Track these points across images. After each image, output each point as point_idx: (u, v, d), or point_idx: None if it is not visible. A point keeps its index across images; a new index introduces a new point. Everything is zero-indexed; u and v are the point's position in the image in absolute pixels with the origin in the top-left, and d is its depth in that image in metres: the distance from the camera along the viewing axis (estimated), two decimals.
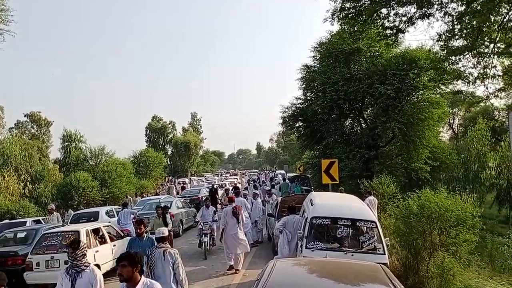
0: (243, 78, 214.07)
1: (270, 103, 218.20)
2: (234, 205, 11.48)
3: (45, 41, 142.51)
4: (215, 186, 24.76)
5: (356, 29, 13.28)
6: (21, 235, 12.66)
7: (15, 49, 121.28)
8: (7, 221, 16.71)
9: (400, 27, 12.07)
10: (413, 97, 18.77)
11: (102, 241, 11.17)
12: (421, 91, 18.36)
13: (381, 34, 13.06)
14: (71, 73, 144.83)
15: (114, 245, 11.51)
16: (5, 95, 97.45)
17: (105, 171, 30.33)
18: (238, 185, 36.91)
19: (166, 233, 6.68)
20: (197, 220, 13.70)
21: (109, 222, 14.22)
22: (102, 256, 10.71)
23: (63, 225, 13.91)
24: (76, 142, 38.39)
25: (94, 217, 16.50)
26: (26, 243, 11.75)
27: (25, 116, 53.14)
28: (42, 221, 16.57)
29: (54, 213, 15.69)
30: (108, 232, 11.69)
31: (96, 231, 11.22)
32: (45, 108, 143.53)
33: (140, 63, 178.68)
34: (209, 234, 13.23)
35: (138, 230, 7.79)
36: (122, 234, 12.46)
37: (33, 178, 31.09)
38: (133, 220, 14.72)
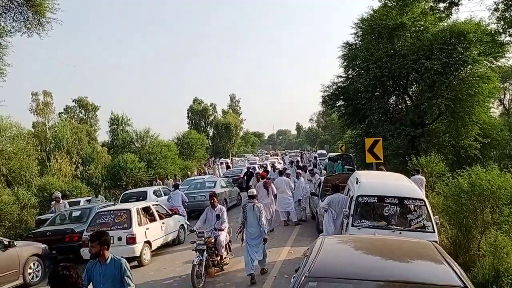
0: (282, 58, 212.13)
1: (310, 83, 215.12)
2: (265, 180, 13.99)
3: (89, 26, 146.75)
4: (250, 170, 24.64)
5: (402, 4, 12.69)
6: (76, 213, 13.41)
7: (59, 35, 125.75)
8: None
9: None
10: (461, 72, 17.95)
11: (152, 219, 11.65)
12: (470, 66, 17.52)
13: (433, 8, 12.41)
14: (115, 59, 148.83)
15: (163, 223, 12.00)
16: (54, 81, 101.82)
17: (150, 153, 31.25)
18: (278, 165, 37.20)
19: (255, 193, 9.82)
20: (195, 229, 9.28)
21: (157, 201, 14.74)
22: (152, 233, 11.18)
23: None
24: (123, 125, 39.63)
25: (143, 196, 17.17)
26: (81, 221, 12.46)
27: (73, 101, 55.31)
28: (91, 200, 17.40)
29: (61, 201, 15.35)
30: (157, 211, 12.16)
31: (146, 210, 11.72)
32: (92, 93, 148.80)
33: (181, 47, 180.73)
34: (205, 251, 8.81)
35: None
36: (170, 213, 12.93)
37: (84, 160, 32.59)
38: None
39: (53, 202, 15.96)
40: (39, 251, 10.36)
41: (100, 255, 4.85)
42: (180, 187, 18.40)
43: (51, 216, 13.94)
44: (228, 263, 9.65)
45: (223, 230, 9.27)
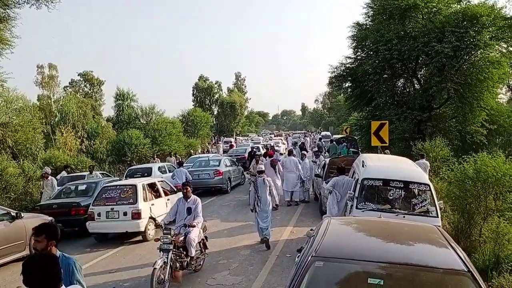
0: (288, 38, 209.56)
1: (316, 63, 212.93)
2: (272, 158, 15.24)
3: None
4: (254, 150, 24.26)
5: None
6: (82, 187, 13.49)
7: (66, 8, 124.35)
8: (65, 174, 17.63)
9: None
10: (472, 56, 17.73)
11: (157, 195, 11.75)
12: (481, 50, 17.26)
13: None
14: (122, 34, 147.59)
15: (168, 199, 12.08)
16: (59, 54, 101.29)
17: (155, 129, 31.33)
18: (281, 146, 37.29)
19: (263, 169, 10.67)
20: (161, 223, 8.10)
21: (162, 177, 14.83)
22: (157, 209, 11.29)
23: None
24: (129, 100, 39.58)
25: (148, 172, 17.27)
26: (87, 195, 12.54)
27: (78, 75, 55.25)
28: (99, 175, 17.51)
29: (49, 177, 14.15)
30: (162, 187, 12.25)
31: (151, 186, 11.81)
32: (97, 68, 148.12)
33: (186, 23, 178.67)
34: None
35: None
36: (175, 189, 13.02)
37: (89, 135, 32.72)
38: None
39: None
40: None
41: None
42: (184, 164, 18.48)
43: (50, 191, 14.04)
44: (202, 264, 8.26)
45: (195, 226, 7.75)
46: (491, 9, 16.52)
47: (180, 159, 19.15)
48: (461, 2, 16.45)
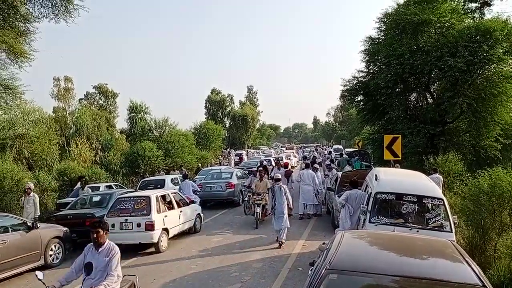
0: (300, 51, 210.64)
1: (328, 77, 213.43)
2: (287, 169, 16.62)
3: (110, 14, 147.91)
4: (263, 163, 23.73)
5: (429, 1, 12.45)
6: (96, 198, 13.70)
7: (81, 21, 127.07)
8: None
9: None
10: (485, 71, 17.65)
11: (170, 206, 11.84)
12: (494, 65, 17.20)
13: (465, 8, 12.18)
14: (135, 49, 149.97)
15: (181, 211, 12.18)
16: (76, 67, 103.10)
17: (168, 142, 31.54)
18: (294, 158, 37.30)
19: (280, 177, 12.09)
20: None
21: (175, 189, 14.94)
22: (170, 221, 11.38)
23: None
24: (142, 113, 40.03)
25: (161, 184, 17.44)
26: (101, 206, 12.73)
27: (93, 87, 56.13)
28: (113, 186, 17.73)
29: (31, 194, 12.84)
30: (175, 199, 12.35)
31: (165, 197, 11.93)
32: (112, 80, 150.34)
33: (199, 38, 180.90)
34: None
35: None
36: (188, 201, 13.12)
37: (103, 147, 33.11)
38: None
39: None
40: (61, 233, 10.65)
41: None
42: (196, 177, 18.60)
43: (71, 201, 14.27)
44: None
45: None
46: (504, 24, 16.49)
47: (185, 172, 19.24)
48: (474, 18, 16.43)
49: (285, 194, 11.34)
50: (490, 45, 16.39)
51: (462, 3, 12.83)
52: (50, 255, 10.21)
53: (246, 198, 15.54)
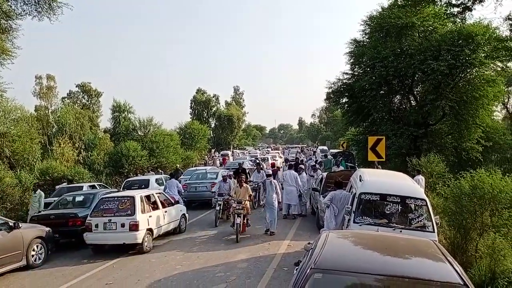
0: (287, 54, 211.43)
1: (314, 79, 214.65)
2: (273, 168, 18.55)
3: (94, 11, 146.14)
4: (242, 165, 21.23)
5: (413, 5, 12.74)
6: (79, 198, 13.50)
7: (65, 19, 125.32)
8: (64, 185, 17.70)
9: (467, 4, 11.53)
10: (467, 74, 18.01)
11: (155, 207, 11.76)
12: (476, 68, 17.56)
13: (446, 12, 12.50)
14: (119, 47, 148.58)
15: (166, 211, 12.11)
16: (59, 66, 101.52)
17: (153, 141, 31.31)
18: (279, 159, 37.47)
19: (271, 173, 14.04)
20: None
21: (159, 189, 14.84)
22: (154, 221, 11.31)
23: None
24: (126, 112, 39.70)
25: (145, 184, 17.30)
26: (84, 206, 12.55)
27: (76, 86, 55.33)
28: (97, 186, 17.54)
29: (38, 191, 14.30)
30: (160, 199, 12.27)
31: (149, 197, 11.84)
32: (96, 79, 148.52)
33: (185, 39, 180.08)
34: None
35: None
36: (173, 202, 13.05)
37: (86, 146, 32.72)
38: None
39: None
40: (43, 233, 10.48)
41: None
42: (181, 177, 18.50)
43: (54, 200, 14.07)
44: None
45: None
46: (486, 29, 16.82)
47: (163, 173, 18.88)
48: (456, 22, 16.75)
49: (275, 188, 12.55)
50: (472, 49, 16.70)
51: (444, 8, 13.07)
52: (32, 256, 10.04)
53: (217, 208, 14.12)
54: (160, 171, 25.17)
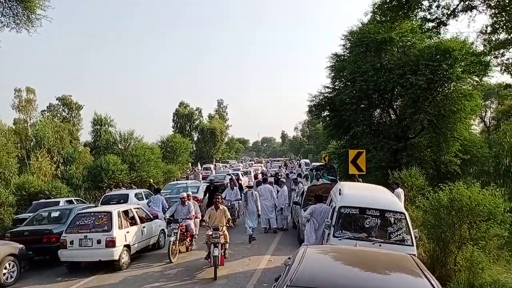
0: (270, 66, 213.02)
1: (296, 92, 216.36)
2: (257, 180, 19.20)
3: (75, 24, 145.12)
4: (214, 183, 18.19)
5: (391, 20, 13.09)
6: (55, 214, 13.16)
7: (47, 33, 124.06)
8: (42, 200, 17.30)
9: (442, 19, 11.85)
10: (445, 89, 18.33)
11: (133, 222, 11.52)
12: (453, 83, 17.89)
13: (422, 27, 12.87)
14: (101, 60, 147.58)
15: (144, 227, 11.87)
16: (38, 78, 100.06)
17: (133, 155, 30.87)
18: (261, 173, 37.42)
19: (252, 184, 16.01)
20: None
21: (138, 204, 14.59)
22: (132, 237, 11.06)
23: None
24: (106, 126, 39.22)
25: (124, 199, 16.98)
26: (60, 222, 12.23)
27: (56, 99, 54.63)
28: (74, 201, 17.15)
29: None
30: (138, 214, 12.03)
31: (127, 213, 11.59)
32: (76, 92, 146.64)
33: (166, 50, 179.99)
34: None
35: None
36: (151, 217, 12.81)
37: (65, 160, 32.11)
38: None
39: None
40: (16, 251, 10.13)
41: None
42: (162, 191, 18.22)
43: (29, 216, 13.68)
44: None
45: None
46: (462, 44, 17.18)
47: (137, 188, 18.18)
48: (432, 37, 17.12)
49: (255, 200, 13.67)
50: (450, 64, 17.03)
51: (420, 23, 13.37)
52: (4, 274, 9.70)
53: (172, 238, 11.05)
54: (134, 186, 24.35)
